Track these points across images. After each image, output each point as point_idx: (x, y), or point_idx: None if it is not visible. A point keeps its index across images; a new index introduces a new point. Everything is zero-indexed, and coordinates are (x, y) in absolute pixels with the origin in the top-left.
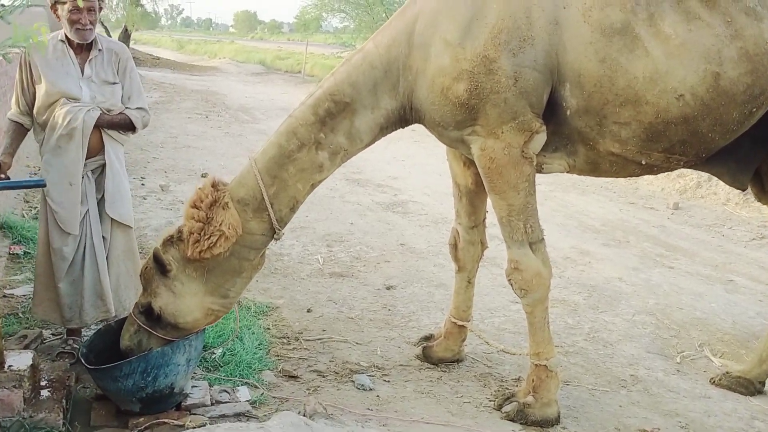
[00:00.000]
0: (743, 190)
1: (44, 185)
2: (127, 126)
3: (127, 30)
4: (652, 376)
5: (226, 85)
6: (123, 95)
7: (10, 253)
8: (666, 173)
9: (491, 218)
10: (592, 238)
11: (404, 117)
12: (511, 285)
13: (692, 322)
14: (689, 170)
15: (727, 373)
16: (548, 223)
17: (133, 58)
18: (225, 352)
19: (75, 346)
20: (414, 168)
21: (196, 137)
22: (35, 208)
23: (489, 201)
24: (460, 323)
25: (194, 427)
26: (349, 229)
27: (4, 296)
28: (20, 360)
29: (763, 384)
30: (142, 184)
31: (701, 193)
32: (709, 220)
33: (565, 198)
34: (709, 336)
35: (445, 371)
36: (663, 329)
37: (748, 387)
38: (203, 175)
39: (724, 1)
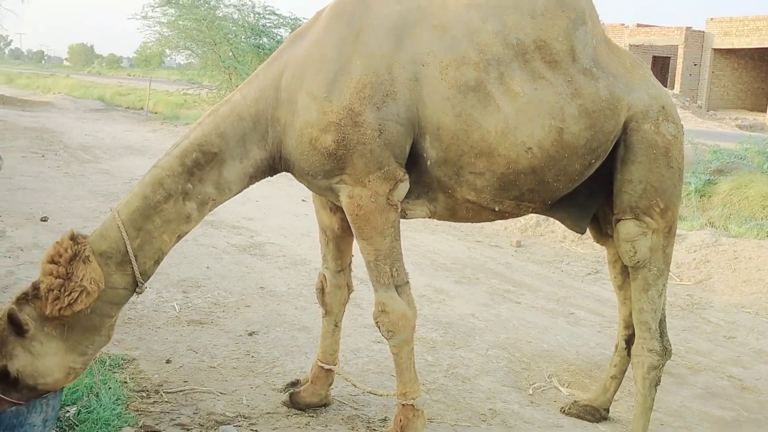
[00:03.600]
0: (582, 234)
1: None
2: None
3: None
4: (509, 409)
5: (63, 122)
6: None
7: None
8: None
9: (356, 261)
10: (444, 276)
11: (273, 166)
12: (378, 327)
13: (541, 354)
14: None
15: (575, 402)
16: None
17: None
18: (80, 410)
19: None
20: (269, 209)
21: (33, 178)
22: None
23: (355, 245)
24: (327, 367)
25: None
26: (206, 273)
27: None
28: None
29: (608, 411)
30: None
31: (540, 231)
32: (549, 257)
33: (417, 237)
34: (557, 367)
35: (312, 416)
36: (515, 362)
37: (594, 414)
38: (43, 219)
39: (564, 62)
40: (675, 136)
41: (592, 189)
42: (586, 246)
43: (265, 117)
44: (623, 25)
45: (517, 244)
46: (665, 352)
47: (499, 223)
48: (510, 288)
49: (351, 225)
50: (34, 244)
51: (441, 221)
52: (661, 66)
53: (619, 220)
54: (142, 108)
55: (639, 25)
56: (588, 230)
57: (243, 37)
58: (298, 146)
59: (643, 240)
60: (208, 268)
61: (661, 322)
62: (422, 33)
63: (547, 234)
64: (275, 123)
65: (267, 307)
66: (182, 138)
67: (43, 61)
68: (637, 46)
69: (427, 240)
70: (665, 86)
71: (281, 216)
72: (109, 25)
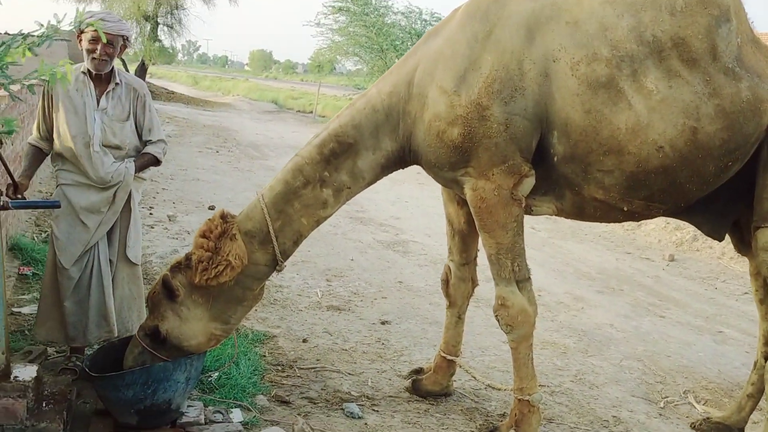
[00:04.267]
0: (720, 241)
1: (59, 206)
2: (153, 163)
3: (144, 64)
4: (634, 419)
5: (238, 122)
6: (144, 129)
7: (19, 274)
8: (663, 226)
9: (484, 258)
10: (586, 285)
11: (403, 158)
12: (498, 321)
13: (679, 369)
14: (686, 224)
15: (708, 419)
16: (544, 269)
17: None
18: (221, 376)
19: (78, 363)
20: (417, 209)
21: (206, 171)
22: (45, 231)
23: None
24: (450, 358)
25: None
26: (350, 265)
27: (12, 314)
28: (25, 372)
29: (742, 430)
30: (150, 214)
31: (697, 246)
32: (703, 273)
33: (563, 245)
34: (695, 383)
35: (433, 404)
36: (649, 375)
37: None
38: (210, 208)
39: (703, 61)
40: None
41: (732, 194)
42: (746, 264)
43: (397, 110)
44: None
45: (670, 258)
46: None
47: (653, 236)
48: (656, 302)
49: (474, 217)
50: None
51: (586, 226)
52: None
53: (758, 228)
54: (311, 111)
55: None
56: (729, 239)
57: (409, 43)
58: (426, 138)
59: None
60: (352, 260)
61: None
62: (554, 29)
63: (704, 249)
64: (406, 116)
65: (402, 300)
66: (323, 129)
67: (227, 66)
68: None
69: (573, 248)
70: None
71: (428, 216)
72: (287, 32)
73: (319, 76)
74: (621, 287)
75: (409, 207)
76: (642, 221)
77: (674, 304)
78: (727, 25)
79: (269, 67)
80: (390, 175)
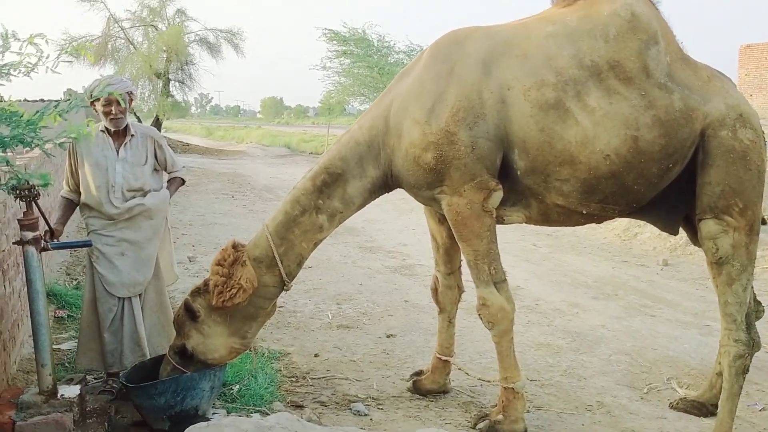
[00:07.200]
0: (674, 235)
1: (90, 244)
2: (181, 184)
3: (158, 119)
4: (617, 402)
5: (251, 168)
6: (167, 164)
7: (55, 316)
8: (658, 234)
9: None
10: (582, 293)
11: (387, 182)
12: (480, 319)
13: (664, 360)
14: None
15: (684, 398)
16: (543, 281)
17: None
18: (241, 388)
19: (114, 386)
20: (423, 236)
21: (222, 215)
22: (75, 279)
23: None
24: (444, 358)
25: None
26: (359, 289)
27: (53, 350)
28: (70, 391)
29: (715, 406)
30: None
31: (690, 251)
32: (695, 274)
33: (563, 258)
34: (678, 371)
35: (432, 400)
36: (635, 366)
37: (701, 409)
38: None
39: (638, 78)
40: (753, 141)
41: (680, 192)
42: None
43: (377, 142)
44: None
45: (664, 263)
46: (752, 343)
47: (648, 243)
48: (648, 303)
49: (452, 229)
50: None
51: (586, 239)
52: None
53: (701, 220)
54: (322, 153)
55: None
56: (684, 233)
57: None
58: (405, 164)
59: (725, 237)
60: (361, 284)
61: (748, 315)
62: (507, 62)
63: (696, 252)
64: (385, 146)
65: (408, 316)
66: (315, 164)
67: (239, 115)
68: None
69: (572, 260)
70: None
71: None
72: (296, 78)
73: (330, 117)
74: (615, 292)
75: (416, 234)
76: (636, 232)
77: (665, 304)
78: (656, 46)
79: (281, 113)
80: (397, 206)
